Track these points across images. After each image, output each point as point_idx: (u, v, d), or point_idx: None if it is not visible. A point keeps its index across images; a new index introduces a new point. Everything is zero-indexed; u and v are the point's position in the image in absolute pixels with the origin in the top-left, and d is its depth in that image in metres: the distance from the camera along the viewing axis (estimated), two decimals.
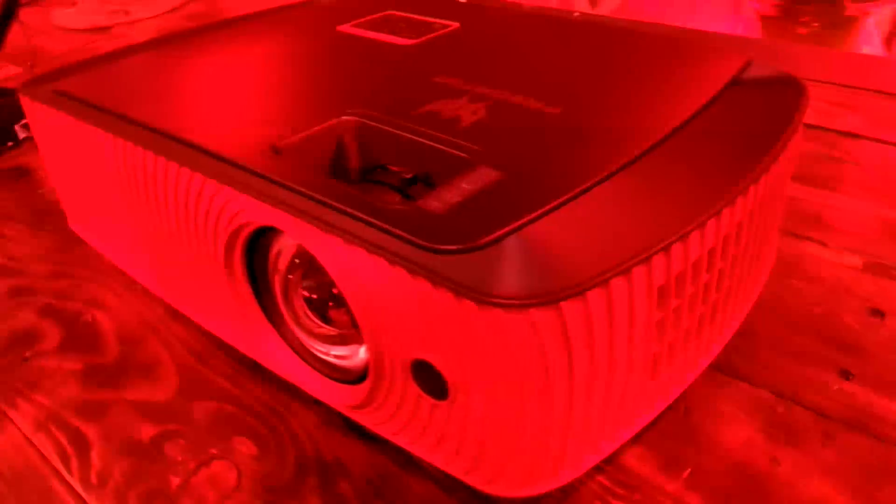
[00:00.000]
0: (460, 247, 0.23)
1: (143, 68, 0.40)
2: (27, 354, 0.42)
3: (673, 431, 0.33)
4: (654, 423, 0.33)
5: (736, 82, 0.35)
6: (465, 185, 0.26)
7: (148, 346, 0.42)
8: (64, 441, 0.37)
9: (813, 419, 0.33)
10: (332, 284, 0.28)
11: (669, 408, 0.33)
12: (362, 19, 0.46)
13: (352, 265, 0.25)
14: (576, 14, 0.72)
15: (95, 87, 0.37)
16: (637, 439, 0.32)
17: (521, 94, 0.34)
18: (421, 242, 0.24)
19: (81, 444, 0.36)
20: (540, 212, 0.25)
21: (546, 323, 0.22)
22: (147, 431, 0.37)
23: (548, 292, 0.22)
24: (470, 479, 0.27)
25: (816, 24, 0.92)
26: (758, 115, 0.33)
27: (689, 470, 0.31)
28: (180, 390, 0.39)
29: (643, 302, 0.24)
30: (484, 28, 0.44)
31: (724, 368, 0.36)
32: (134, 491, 0.34)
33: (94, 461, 0.36)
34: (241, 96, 0.35)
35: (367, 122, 0.32)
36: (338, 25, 0.45)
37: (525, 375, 0.23)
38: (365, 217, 0.25)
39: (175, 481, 0.34)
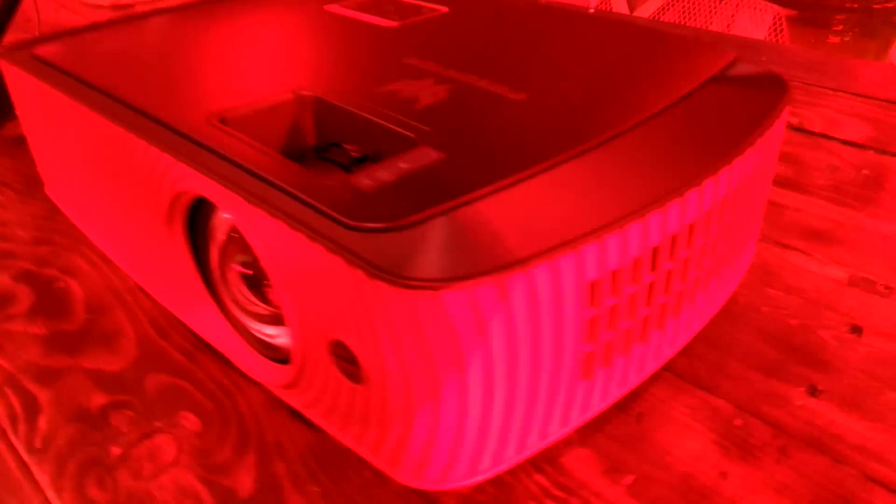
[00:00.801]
0: (381, 226, 0.22)
1: (118, 39, 0.39)
2: None
3: (622, 436, 0.32)
4: (603, 426, 0.31)
5: (718, 78, 0.33)
6: (403, 165, 0.26)
7: (113, 316, 0.42)
8: (16, 404, 0.37)
9: (771, 434, 0.31)
10: None
11: (621, 411, 0.32)
12: (352, 0, 0.45)
13: (274, 240, 0.24)
14: (591, 10, 0.71)
15: (68, 54, 0.37)
16: (584, 442, 0.31)
17: (489, 79, 0.32)
18: (341, 219, 0.23)
19: (32, 408, 0.36)
20: (471, 196, 0.24)
21: (458, 307, 0.21)
22: (97, 400, 0.36)
23: (462, 276, 0.21)
24: (391, 470, 0.26)
25: (850, 33, 0.89)
26: (734, 111, 0.31)
27: (633, 477, 0.30)
28: (137, 362, 0.39)
29: (572, 296, 0.23)
30: (472, 14, 0.43)
31: (685, 375, 0.34)
32: (75, 458, 0.34)
33: (42, 426, 0.35)
34: (205, 68, 0.35)
35: (324, 98, 0.31)
36: (325, 5, 0.45)
37: (438, 362, 0.22)
38: (290, 190, 0.24)
39: (116, 451, 0.34)
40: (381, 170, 0.25)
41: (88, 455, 0.34)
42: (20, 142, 0.65)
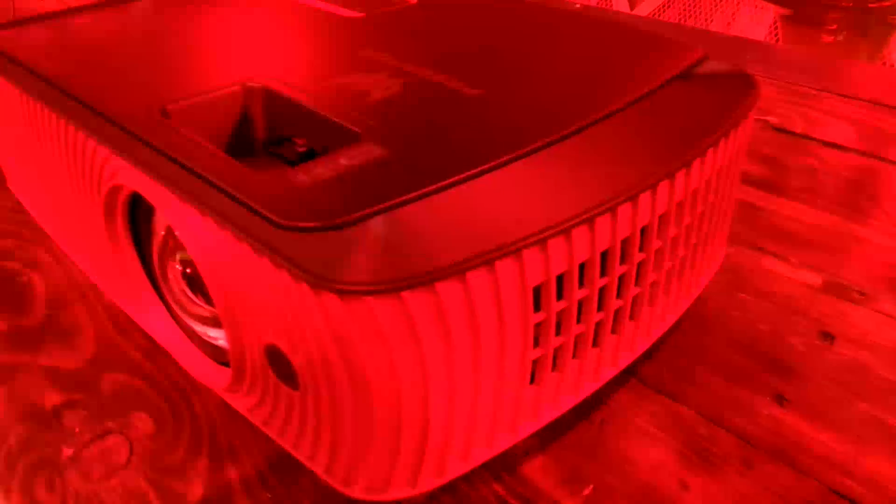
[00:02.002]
0: (311, 225, 0.21)
1: (73, 28, 0.38)
2: None
3: (583, 444, 0.31)
4: (565, 432, 0.30)
5: (684, 75, 0.32)
6: (343, 161, 0.24)
7: (73, 312, 0.41)
8: None
9: (734, 444, 0.30)
10: None
11: (583, 417, 0.31)
12: None
13: (205, 238, 0.23)
14: (577, 6, 0.70)
15: (21, 43, 0.36)
16: (544, 449, 0.30)
17: (446, 74, 0.31)
18: (271, 217, 0.22)
19: None
20: (409, 196, 0.23)
21: (387, 313, 0.20)
22: (51, 399, 0.36)
23: (390, 280, 0.20)
24: (329, 478, 0.25)
25: (844, 33, 0.87)
26: (698, 109, 0.30)
27: (592, 487, 0.29)
28: (94, 360, 0.38)
29: (513, 300, 0.22)
30: (441, 8, 0.42)
31: (649, 381, 0.33)
32: (25, 458, 0.33)
33: None
34: (155, 58, 0.34)
35: (274, 89, 0.30)
36: None
37: (369, 369, 0.21)
38: (222, 186, 0.23)
39: (67, 452, 0.33)
40: (318, 166, 0.24)
41: (39, 455, 0.33)
42: None
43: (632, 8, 1.64)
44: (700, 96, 0.31)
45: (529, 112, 0.29)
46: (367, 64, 0.33)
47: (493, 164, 0.25)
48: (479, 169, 0.24)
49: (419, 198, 0.23)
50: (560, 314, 0.24)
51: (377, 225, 0.22)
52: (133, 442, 0.33)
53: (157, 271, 0.29)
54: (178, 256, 0.28)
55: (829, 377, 0.33)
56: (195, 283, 0.28)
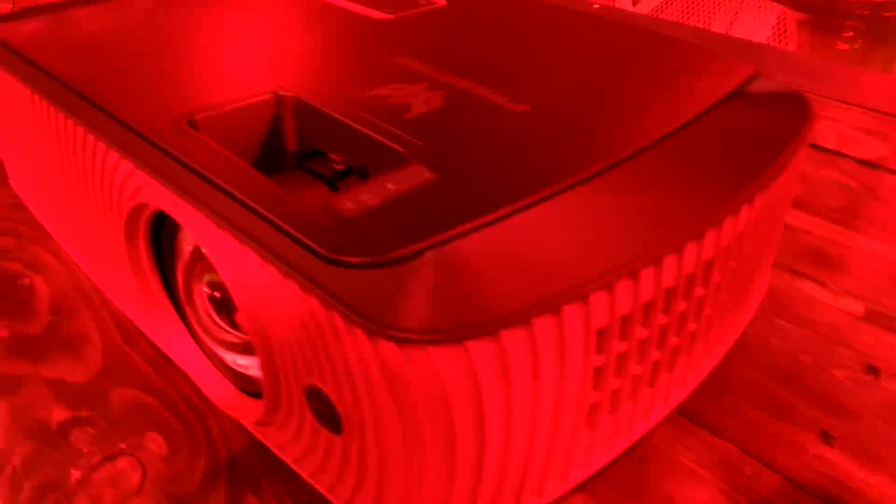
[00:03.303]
0: (362, 260, 0.20)
1: (87, 23, 0.36)
2: None
3: (623, 482, 0.29)
4: (604, 471, 0.29)
5: (735, 95, 0.31)
6: (391, 185, 0.23)
7: (79, 319, 0.39)
8: None
9: (781, 485, 0.29)
10: None
11: (625, 454, 0.29)
12: None
13: (243, 268, 0.21)
14: (595, 6, 0.68)
15: (31, 38, 0.34)
16: (582, 487, 0.29)
17: (488, 87, 0.30)
18: (318, 249, 0.20)
19: None
20: (466, 227, 0.21)
21: (448, 362, 0.18)
22: (58, 415, 0.34)
23: (453, 327, 0.18)
24: None
25: (860, 41, 0.86)
26: (752, 134, 0.28)
27: None
28: (102, 373, 0.36)
29: (577, 346, 0.20)
30: (472, 10, 0.40)
31: (689, 414, 0.32)
32: (31, 480, 0.31)
33: None
34: (178, 61, 0.32)
35: (307, 101, 0.28)
36: None
37: (425, 420, 0.19)
38: (263, 213, 0.21)
39: (75, 475, 0.31)
40: (365, 191, 0.23)
41: (46, 477, 0.31)
42: None
43: (634, 5, 1.63)
44: (753, 120, 0.29)
45: (578, 133, 0.27)
46: (403, 73, 0.31)
47: (547, 192, 0.23)
48: (534, 198, 0.23)
49: (475, 229, 0.21)
50: (621, 356, 0.22)
51: (433, 260, 0.20)
52: (145, 465, 0.31)
53: (182, 293, 0.28)
54: (205, 279, 0.26)
55: (877, 414, 0.32)
56: (224, 307, 0.27)
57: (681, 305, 0.24)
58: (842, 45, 0.83)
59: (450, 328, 0.18)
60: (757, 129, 0.29)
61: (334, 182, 0.26)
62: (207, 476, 0.30)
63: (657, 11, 1.60)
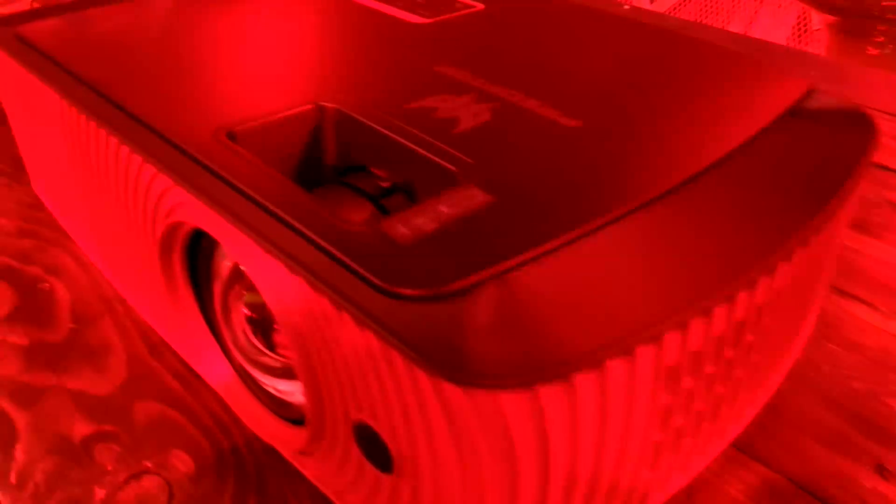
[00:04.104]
0: (421, 293, 0.19)
1: (117, 23, 0.35)
2: None
3: None
4: None
5: (794, 112, 0.29)
6: (444, 209, 0.22)
7: (101, 328, 0.38)
8: None
9: None
10: None
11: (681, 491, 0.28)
12: None
13: (292, 297, 0.20)
14: (626, 7, 0.66)
15: (58, 38, 0.33)
16: None
17: (537, 99, 0.28)
18: (375, 282, 0.19)
19: (8, 433, 0.33)
20: (529, 255, 0.20)
21: (516, 407, 0.17)
22: (80, 429, 0.33)
23: (523, 372, 0.17)
24: None
25: (891, 46, 0.84)
26: (816, 156, 0.27)
27: None
28: (125, 385, 0.35)
29: (647, 385, 0.19)
30: (512, 14, 0.38)
31: (739, 444, 0.30)
32: (54, 499, 0.30)
33: (18, 456, 0.32)
34: (211, 67, 0.30)
35: (348, 112, 0.27)
36: None
37: (487, 463, 0.18)
38: (316, 239, 0.20)
39: (99, 494, 0.30)
40: (418, 214, 0.21)
41: (69, 496, 0.30)
42: (6, 117, 0.60)
43: (651, 3, 1.61)
44: (814, 141, 0.28)
45: (633, 152, 0.26)
46: (446, 83, 0.29)
47: (607, 218, 0.22)
48: (594, 224, 0.22)
49: (536, 258, 0.20)
50: (688, 393, 0.21)
51: (495, 294, 0.19)
52: (172, 485, 0.30)
53: (219, 313, 0.26)
54: (245, 299, 0.25)
55: None
56: (263, 330, 0.25)
57: (749, 337, 0.22)
58: (872, 51, 0.81)
59: (520, 373, 0.17)
60: (819, 151, 0.27)
61: (379, 200, 0.25)
62: (237, 499, 0.29)
63: (674, 10, 1.58)
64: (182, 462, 0.31)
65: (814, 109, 0.30)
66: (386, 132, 0.25)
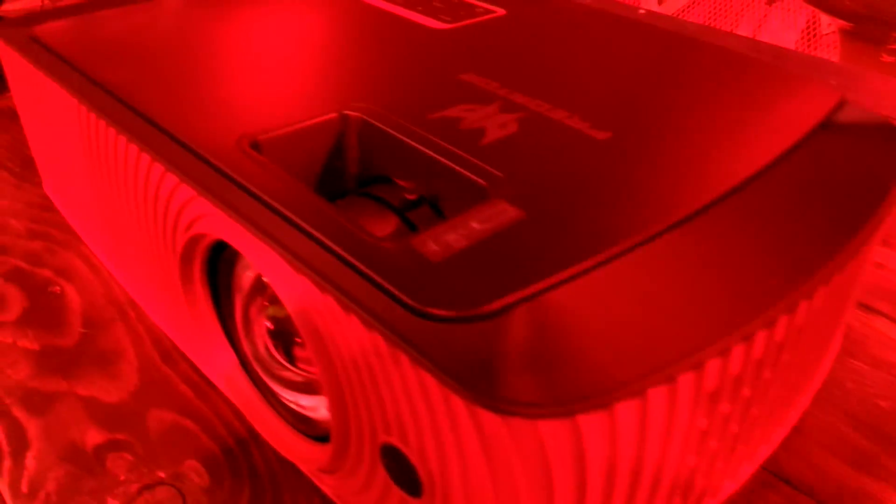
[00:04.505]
0: (454, 314, 0.18)
1: (134, 24, 0.34)
2: None
3: None
4: None
5: (824, 126, 0.29)
6: (475, 225, 0.21)
7: (113, 333, 0.37)
8: (1, 435, 0.32)
9: None
10: None
11: None
12: None
13: (320, 314, 0.20)
14: (641, 11, 0.65)
15: (73, 39, 0.32)
16: None
17: (564, 110, 0.28)
18: (408, 301, 0.18)
19: (20, 441, 0.32)
20: (564, 275, 0.19)
21: (556, 436, 0.17)
22: (93, 437, 0.32)
23: (564, 400, 0.16)
24: None
25: None
26: (851, 173, 0.26)
27: None
28: (138, 392, 0.34)
29: (686, 412, 0.19)
30: (533, 20, 0.38)
31: (765, 464, 0.30)
32: None
33: (29, 464, 0.31)
34: (232, 73, 0.30)
35: (373, 121, 0.26)
36: None
37: (522, 493, 0.18)
38: (346, 257, 0.19)
39: None
40: (449, 230, 0.21)
41: None
42: (17, 115, 0.60)
43: (660, 4, 1.60)
44: (847, 157, 0.27)
45: (665, 166, 0.25)
46: (470, 92, 0.29)
47: (640, 236, 0.21)
48: (628, 242, 0.21)
49: (572, 278, 0.19)
50: (726, 417, 0.21)
51: (531, 315, 0.18)
52: (186, 496, 0.30)
53: (239, 326, 0.26)
54: (268, 312, 0.25)
55: None
56: (286, 343, 0.25)
57: (785, 357, 0.22)
58: (887, 58, 0.80)
59: (561, 401, 0.16)
60: (853, 168, 0.27)
61: (405, 213, 0.24)
62: None
63: (683, 12, 1.57)
64: (196, 473, 0.30)
65: (845, 123, 0.30)
66: (412, 143, 0.25)
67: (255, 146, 0.24)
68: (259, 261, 0.21)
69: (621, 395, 0.17)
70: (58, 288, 0.40)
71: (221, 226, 0.22)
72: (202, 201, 0.22)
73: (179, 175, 0.23)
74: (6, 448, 0.32)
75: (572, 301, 0.19)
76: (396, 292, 0.18)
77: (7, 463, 0.31)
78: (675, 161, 0.26)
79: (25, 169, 0.52)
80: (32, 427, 0.33)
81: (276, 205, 0.21)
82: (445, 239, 0.20)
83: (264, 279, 0.23)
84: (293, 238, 0.20)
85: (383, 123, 0.26)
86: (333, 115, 0.26)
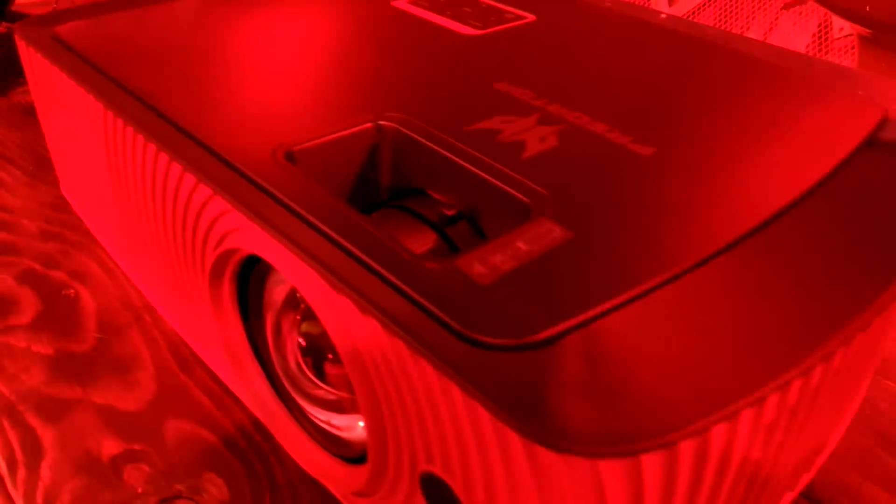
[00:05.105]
0: (507, 342, 0.17)
1: (161, 25, 0.33)
2: None
3: None
4: None
5: (868, 144, 0.28)
6: (522, 245, 0.20)
7: (129, 339, 0.37)
8: (16, 443, 0.32)
9: None
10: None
11: None
12: None
13: (363, 336, 0.19)
14: (662, 16, 0.64)
15: (98, 40, 0.31)
16: None
17: (603, 122, 0.27)
18: (455, 326, 0.18)
19: (34, 450, 0.31)
20: (618, 300, 0.19)
21: (616, 476, 0.16)
22: (109, 447, 0.31)
23: (628, 439, 0.16)
24: None
25: None
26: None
27: None
28: (155, 401, 0.33)
29: (744, 446, 0.18)
30: (564, 26, 0.37)
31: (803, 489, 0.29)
32: None
33: (44, 475, 0.30)
34: (263, 79, 0.29)
35: (409, 132, 0.25)
36: (392, 1, 0.39)
37: None
38: (389, 276, 0.19)
39: None
40: (495, 251, 0.20)
41: None
42: (31, 112, 0.59)
43: (670, 6, 1.59)
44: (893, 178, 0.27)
45: (712, 184, 0.25)
46: (507, 102, 0.28)
47: (692, 260, 0.21)
48: (682, 266, 0.20)
49: (624, 304, 0.19)
50: (780, 445, 0.20)
51: (585, 344, 0.18)
52: None
53: (270, 341, 0.25)
54: (301, 329, 0.24)
55: None
56: (318, 361, 0.24)
57: (839, 383, 0.21)
58: None
59: (624, 440, 0.15)
60: None
61: (443, 228, 0.24)
62: None
63: (694, 13, 1.56)
64: (215, 486, 0.30)
65: (890, 140, 0.29)
66: (452, 157, 0.24)
67: (290, 157, 0.23)
68: (297, 278, 0.20)
69: (686, 434, 0.16)
70: (72, 291, 0.40)
71: (257, 241, 0.21)
72: (236, 215, 0.22)
73: (213, 187, 0.22)
74: (20, 457, 0.31)
75: (625, 329, 0.18)
76: (444, 317, 0.18)
77: (22, 473, 0.30)
78: (720, 180, 0.25)
79: (39, 168, 0.51)
80: (47, 435, 0.32)
81: (316, 221, 0.20)
82: (492, 260, 0.20)
83: (301, 296, 0.22)
84: (334, 256, 0.19)
85: (420, 135, 0.25)
86: (368, 124, 0.26)
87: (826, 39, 1.41)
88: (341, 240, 0.20)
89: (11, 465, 0.31)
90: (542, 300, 0.19)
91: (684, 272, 0.20)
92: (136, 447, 0.31)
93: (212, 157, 0.23)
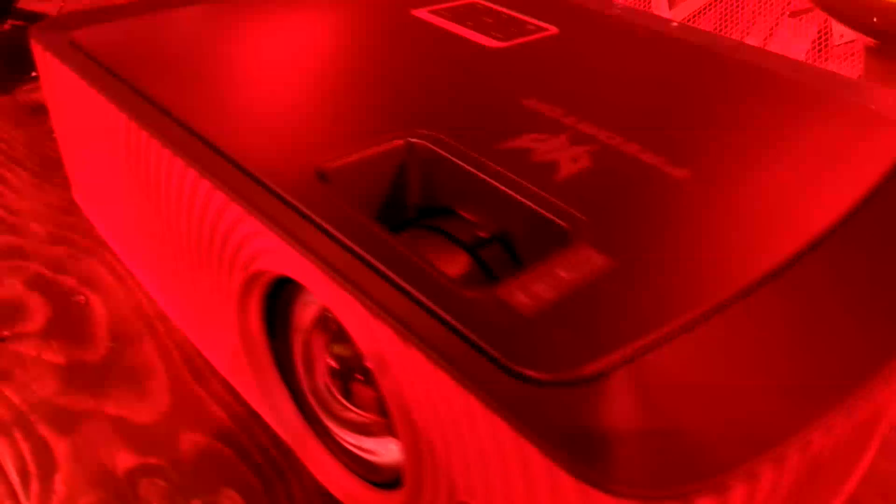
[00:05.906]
0: (554, 377, 0.17)
1: (184, 31, 0.33)
2: (6, 334, 0.37)
3: None
4: None
5: None
6: (563, 274, 0.20)
7: (142, 348, 0.36)
8: (28, 455, 0.31)
9: None
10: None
11: None
12: (442, 5, 0.39)
13: (404, 367, 0.19)
14: (674, 24, 0.64)
15: (118, 46, 0.31)
16: None
17: (636, 142, 0.27)
18: (503, 360, 0.17)
19: (47, 462, 0.31)
20: (663, 333, 0.18)
21: None
22: (124, 460, 0.31)
23: (682, 483, 0.15)
24: None
25: None
26: None
27: None
28: (170, 413, 0.33)
29: (788, 481, 0.18)
30: (588, 41, 0.37)
31: None
32: None
33: (58, 488, 0.30)
34: (287, 92, 0.29)
35: (441, 151, 0.25)
36: (412, 9, 0.38)
37: None
38: (430, 305, 0.18)
39: None
40: (536, 280, 0.20)
41: None
42: (37, 111, 0.58)
43: (671, 8, 1.59)
44: None
45: (749, 210, 0.24)
46: (536, 120, 0.28)
47: (736, 290, 0.20)
48: (725, 296, 0.20)
49: (670, 337, 0.18)
50: (820, 481, 0.20)
51: (634, 379, 0.17)
52: None
53: (298, 362, 0.25)
54: (332, 350, 0.23)
55: None
56: (345, 381, 0.24)
57: (879, 416, 0.21)
58: None
59: (678, 483, 0.15)
60: None
61: (476, 251, 0.23)
62: None
63: (693, 18, 1.56)
64: (233, 502, 0.29)
65: None
66: (486, 178, 0.24)
67: (323, 176, 0.23)
68: (332, 302, 0.20)
69: (737, 477, 0.16)
70: (82, 298, 0.39)
71: (291, 263, 0.21)
72: (269, 235, 0.21)
73: (246, 206, 0.22)
74: (33, 469, 0.30)
75: (670, 363, 0.18)
76: (490, 350, 0.17)
77: (35, 486, 0.30)
78: (758, 204, 0.25)
79: (45, 169, 0.51)
80: (60, 448, 0.31)
81: (353, 245, 0.20)
82: (534, 290, 0.19)
83: (337, 320, 0.21)
84: (372, 282, 0.19)
85: (452, 153, 0.25)
86: (399, 142, 0.25)
87: (826, 46, 1.42)
88: (380, 265, 0.19)
89: (24, 477, 0.30)
90: (587, 332, 0.18)
91: (726, 303, 0.20)
92: (152, 461, 0.31)
93: (243, 174, 0.23)
